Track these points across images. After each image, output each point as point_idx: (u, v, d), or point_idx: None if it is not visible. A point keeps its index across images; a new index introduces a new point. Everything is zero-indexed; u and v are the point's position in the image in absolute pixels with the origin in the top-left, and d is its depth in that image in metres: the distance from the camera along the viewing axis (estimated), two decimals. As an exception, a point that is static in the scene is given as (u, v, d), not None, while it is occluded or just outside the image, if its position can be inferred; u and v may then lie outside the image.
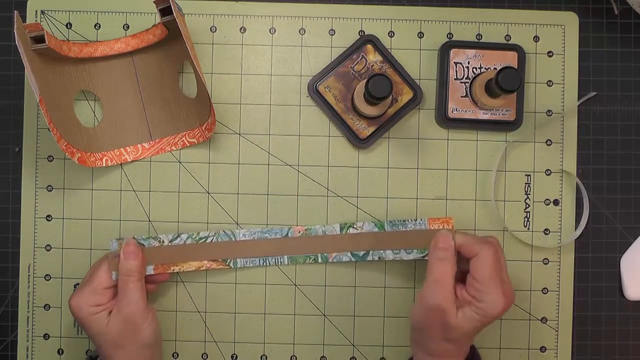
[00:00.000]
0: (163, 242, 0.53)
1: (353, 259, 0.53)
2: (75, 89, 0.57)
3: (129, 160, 0.58)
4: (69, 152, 0.53)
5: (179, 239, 0.54)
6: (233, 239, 0.55)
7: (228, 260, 0.55)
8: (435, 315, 0.49)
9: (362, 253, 0.52)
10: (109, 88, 0.58)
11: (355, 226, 0.53)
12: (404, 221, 0.52)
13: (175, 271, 0.55)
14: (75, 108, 0.57)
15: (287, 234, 0.54)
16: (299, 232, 0.54)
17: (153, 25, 0.57)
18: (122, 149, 0.58)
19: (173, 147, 0.58)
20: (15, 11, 0.49)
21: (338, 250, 0.54)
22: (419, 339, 0.51)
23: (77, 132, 0.56)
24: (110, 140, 0.58)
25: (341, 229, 0.53)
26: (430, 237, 0.52)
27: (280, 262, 0.56)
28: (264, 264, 0.56)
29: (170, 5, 0.51)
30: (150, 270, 0.53)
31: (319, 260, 0.56)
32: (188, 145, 0.58)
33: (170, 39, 0.57)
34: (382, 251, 0.52)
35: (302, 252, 0.55)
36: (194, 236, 0.54)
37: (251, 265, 0.55)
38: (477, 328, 0.49)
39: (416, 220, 0.52)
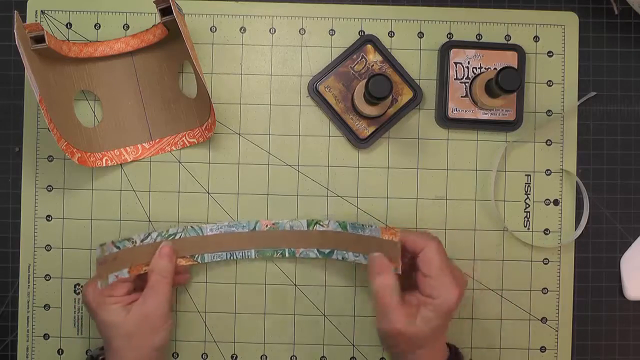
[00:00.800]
0: (135, 242, 0.52)
1: (319, 256, 0.53)
2: (75, 89, 0.57)
3: (129, 160, 0.58)
4: (69, 152, 0.53)
5: (149, 237, 0.53)
6: (201, 234, 0.54)
7: (196, 256, 0.55)
8: (395, 337, 0.49)
9: (327, 251, 0.52)
10: (109, 88, 0.58)
11: (321, 223, 0.53)
12: (362, 225, 0.52)
13: (146, 271, 0.53)
14: (75, 108, 0.57)
15: (255, 227, 0.54)
16: (267, 226, 0.54)
17: (153, 25, 0.57)
18: (122, 149, 0.58)
19: (173, 147, 0.58)
20: (15, 11, 0.49)
21: (305, 246, 0.54)
22: (394, 356, 0.51)
23: (77, 132, 0.56)
24: (110, 140, 0.58)
25: (308, 224, 0.53)
26: (381, 246, 0.51)
27: (248, 255, 0.55)
28: (231, 257, 0.56)
29: (171, 6, 0.51)
30: (125, 273, 0.52)
31: (287, 254, 0.56)
32: (188, 145, 0.58)
33: (170, 39, 0.57)
34: (344, 252, 0.52)
35: (269, 246, 0.54)
36: (163, 233, 0.54)
37: (218, 259, 0.55)
38: (441, 326, 0.49)
39: (372, 226, 0.51)
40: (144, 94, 0.58)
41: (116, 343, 0.51)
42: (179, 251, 0.54)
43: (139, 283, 0.54)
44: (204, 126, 0.57)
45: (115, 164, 0.57)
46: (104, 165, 0.57)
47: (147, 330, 0.51)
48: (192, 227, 0.54)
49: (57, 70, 0.55)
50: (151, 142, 0.58)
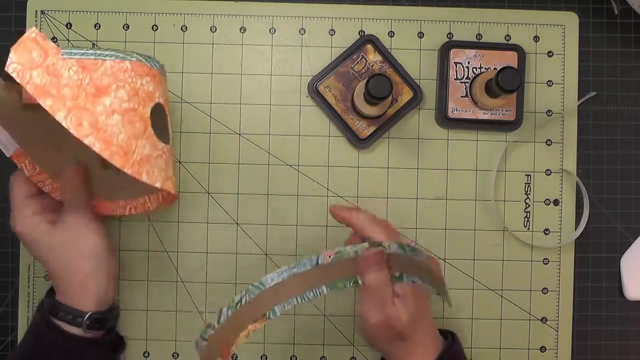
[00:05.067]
0: (214, 326, 0.48)
1: (392, 280, 0.49)
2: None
3: (151, 209, 0.54)
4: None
5: (222, 315, 0.47)
6: (263, 289, 0.48)
7: (267, 314, 0.49)
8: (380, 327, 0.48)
9: (397, 274, 0.49)
10: None
11: (384, 245, 0.48)
12: (415, 249, 0.48)
13: (234, 351, 0.51)
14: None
15: (317, 262, 0.48)
16: (330, 256, 0.48)
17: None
18: (145, 197, 0.54)
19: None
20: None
21: None
22: (387, 356, 0.50)
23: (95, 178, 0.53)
24: (135, 188, 0.53)
25: (370, 246, 0.48)
26: (430, 274, 0.49)
27: (320, 292, 0.49)
28: (303, 300, 0.49)
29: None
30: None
31: (359, 282, 0.50)
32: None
33: None
34: (413, 277, 0.50)
35: (339, 277, 0.49)
36: (231, 305, 0.48)
37: (289, 307, 0.49)
38: (419, 307, 0.48)
39: (422, 252, 0.48)
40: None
41: (47, 263, 0.51)
42: (249, 318, 0.49)
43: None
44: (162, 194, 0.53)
45: (139, 212, 0.54)
46: (127, 214, 0.54)
47: (74, 239, 0.51)
48: (252, 285, 0.47)
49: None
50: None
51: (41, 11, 0.58)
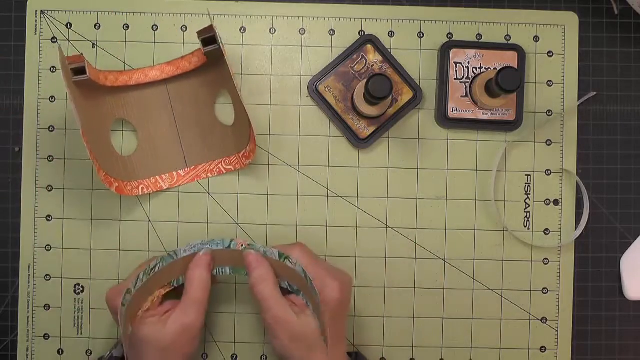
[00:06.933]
0: (131, 291, 0.50)
1: (289, 289, 0.52)
2: (111, 117, 0.57)
3: (165, 187, 0.57)
4: (107, 183, 0.53)
5: (138, 281, 0.50)
6: (175, 258, 0.51)
7: (172, 281, 0.52)
8: (281, 329, 0.48)
9: (296, 288, 0.51)
10: (144, 116, 0.57)
11: (291, 261, 0.51)
12: (312, 279, 0.50)
13: (139, 315, 0.51)
14: (112, 136, 0.57)
15: (230, 245, 0.51)
16: (242, 245, 0.51)
17: (189, 53, 0.56)
18: (157, 177, 0.57)
19: (209, 174, 0.58)
20: (58, 44, 0.48)
21: (276, 275, 0.51)
22: None
23: (113, 161, 0.56)
24: (146, 169, 0.57)
25: (280, 256, 0.51)
26: (313, 298, 0.50)
27: (223, 272, 0.52)
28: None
29: (214, 35, 0.51)
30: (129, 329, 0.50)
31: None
32: (224, 172, 0.57)
33: (207, 67, 0.56)
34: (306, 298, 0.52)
35: (242, 265, 0.52)
36: (147, 271, 0.50)
37: None
38: (331, 325, 0.49)
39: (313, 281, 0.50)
40: (178, 122, 0.57)
41: (150, 358, 0.49)
42: (159, 284, 0.51)
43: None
44: (242, 153, 0.57)
45: (152, 192, 0.57)
46: (141, 193, 0.57)
47: (184, 342, 0.49)
48: (168, 254, 0.51)
49: (93, 99, 0.54)
50: (186, 169, 0.58)
51: (41, 11, 0.58)
